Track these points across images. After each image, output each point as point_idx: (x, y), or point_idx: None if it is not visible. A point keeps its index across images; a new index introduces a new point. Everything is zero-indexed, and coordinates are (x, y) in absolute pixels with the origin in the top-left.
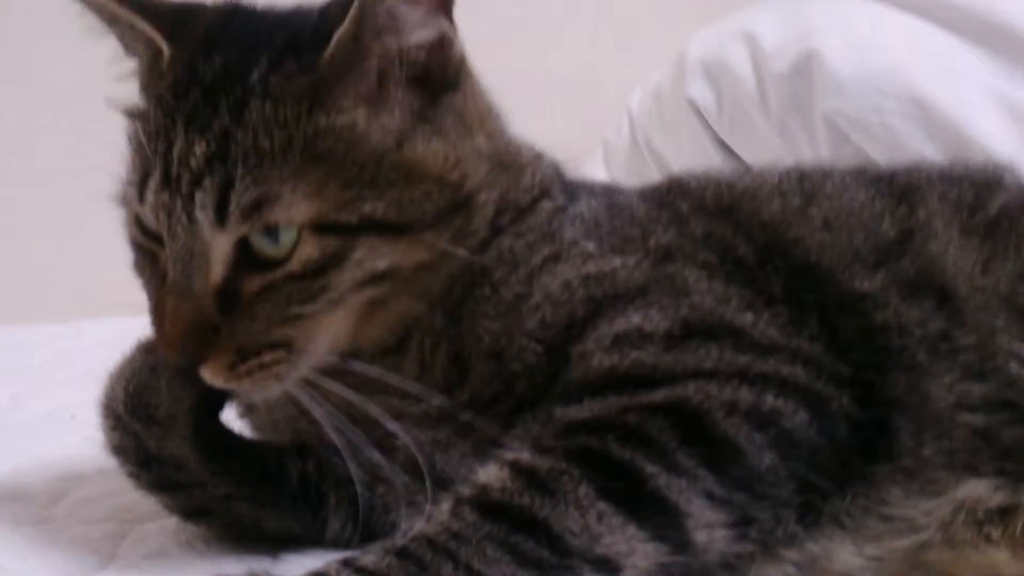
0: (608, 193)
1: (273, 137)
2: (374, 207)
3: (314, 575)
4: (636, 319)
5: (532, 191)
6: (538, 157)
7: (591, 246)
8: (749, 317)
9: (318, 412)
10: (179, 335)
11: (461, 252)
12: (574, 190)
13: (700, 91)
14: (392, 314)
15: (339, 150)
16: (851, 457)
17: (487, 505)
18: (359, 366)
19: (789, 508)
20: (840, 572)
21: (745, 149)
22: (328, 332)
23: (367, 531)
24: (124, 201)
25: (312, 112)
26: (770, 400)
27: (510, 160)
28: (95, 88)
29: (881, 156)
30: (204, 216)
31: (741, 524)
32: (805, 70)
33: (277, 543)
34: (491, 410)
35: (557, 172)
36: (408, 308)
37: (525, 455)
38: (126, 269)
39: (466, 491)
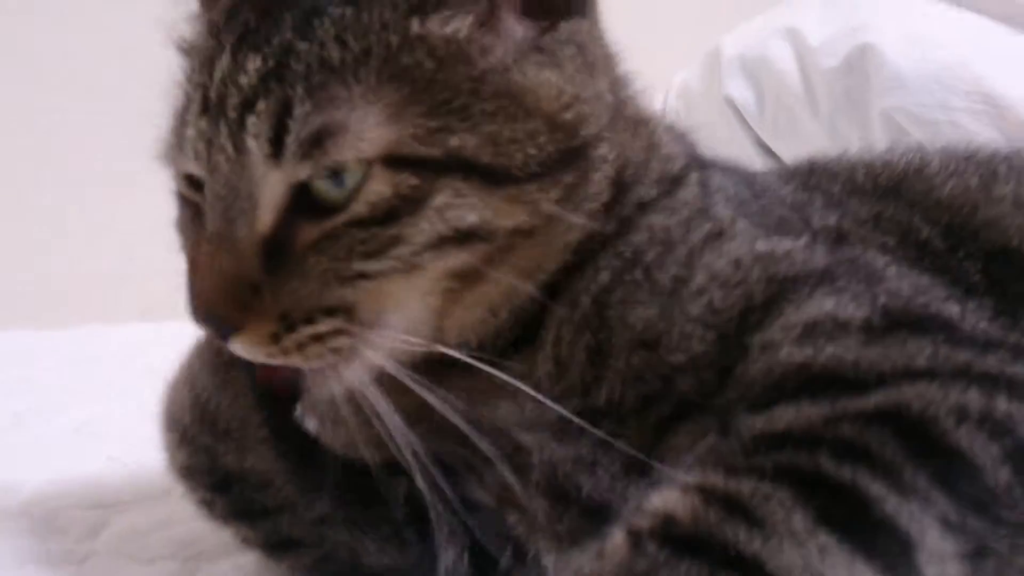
0: (739, 171)
1: (347, 48)
2: (464, 141)
3: None
4: (828, 305)
5: (677, 160)
6: (670, 127)
7: (748, 224)
8: (955, 308)
9: (390, 422)
10: (212, 293)
11: (575, 218)
12: (703, 161)
13: (739, 89)
14: (489, 294)
15: (428, 67)
16: None
17: (678, 539)
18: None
19: None
20: None
21: (788, 149)
22: (403, 307)
23: (489, 567)
24: (167, 155)
25: (407, 18)
26: (1003, 404)
27: (638, 119)
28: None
29: None
30: (256, 147)
31: (975, 556)
32: (859, 65)
33: None
34: (640, 417)
35: (687, 141)
36: (511, 288)
37: (715, 477)
38: (141, 272)
39: (643, 522)
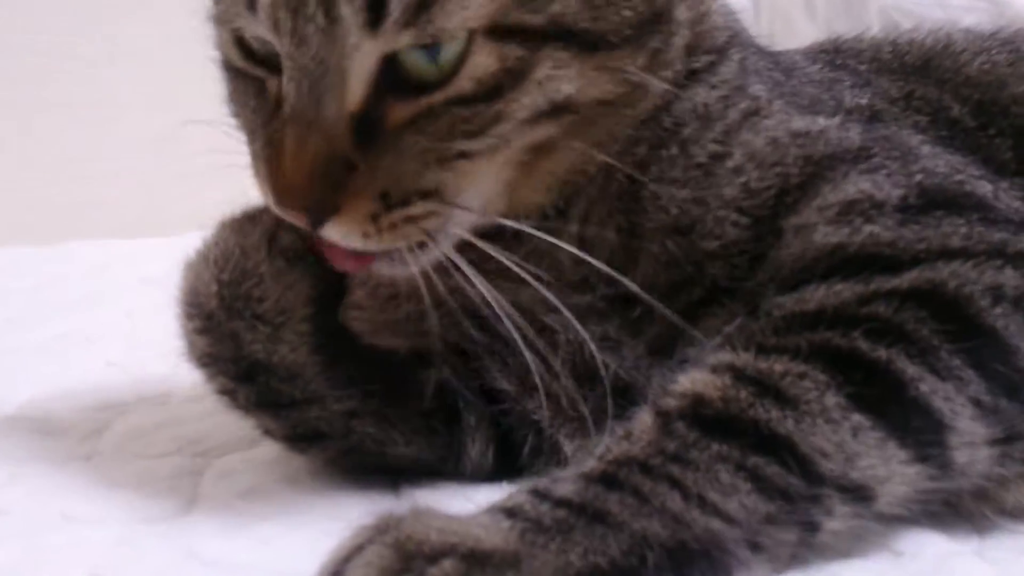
0: (766, 50)
1: None
2: (565, 6)
3: (503, 509)
4: (865, 184)
5: (724, 32)
6: None
7: (782, 103)
8: (988, 187)
9: (481, 285)
10: (306, 175)
11: (657, 83)
12: (744, 40)
13: None
14: (561, 166)
15: None
16: None
17: (709, 419)
18: (511, 227)
19: None
20: None
21: None
22: (483, 183)
23: (514, 457)
24: (221, 16)
25: None
26: None
27: None
28: None
29: None
30: (352, 14)
31: (1005, 441)
32: None
33: (398, 474)
34: (673, 300)
35: (728, 10)
36: (582, 160)
37: (745, 356)
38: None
39: (672, 402)
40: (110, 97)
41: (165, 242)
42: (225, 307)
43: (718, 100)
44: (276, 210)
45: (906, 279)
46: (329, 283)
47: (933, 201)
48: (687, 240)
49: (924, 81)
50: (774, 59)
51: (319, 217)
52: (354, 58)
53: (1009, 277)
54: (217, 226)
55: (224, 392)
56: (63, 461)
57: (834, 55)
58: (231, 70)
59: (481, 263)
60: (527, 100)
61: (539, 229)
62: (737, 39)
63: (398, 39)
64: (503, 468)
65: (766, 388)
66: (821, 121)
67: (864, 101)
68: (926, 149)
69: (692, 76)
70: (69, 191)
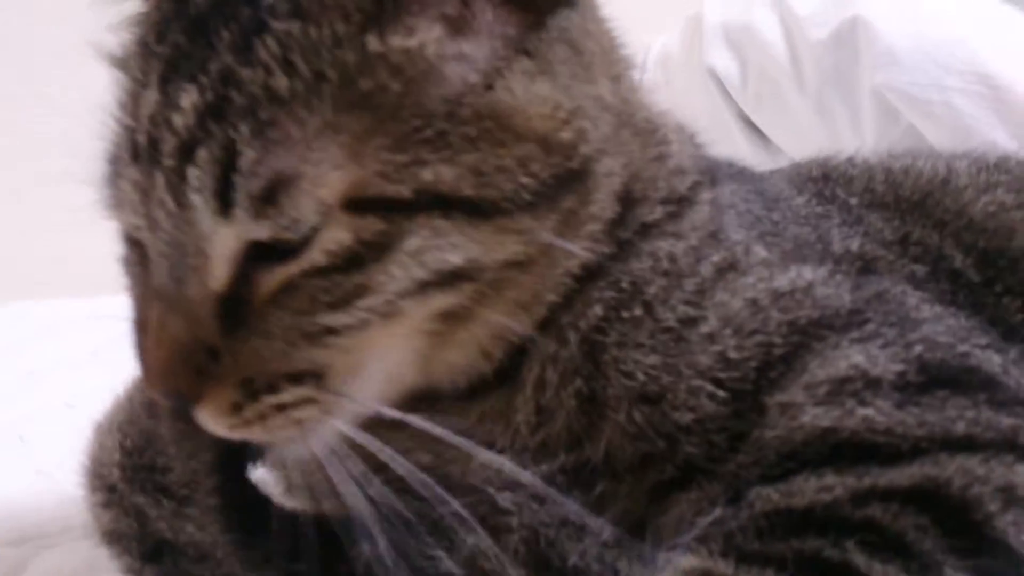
0: (747, 175)
1: (296, 72)
2: (439, 175)
3: None
4: (858, 358)
5: (687, 175)
6: (679, 130)
7: (763, 250)
8: (997, 359)
9: (368, 489)
10: (165, 362)
11: (574, 248)
12: (712, 169)
13: (721, 60)
14: (481, 332)
15: (393, 90)
16: None
17: None
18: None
19: None
20: None
21: (773, 125)
22: (383, 357)
23: None
24: (103, 201)
25: (363, 32)
26: None
27: (645, 124)
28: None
29: (940, 138)
30: (202, 203)
31: None
32: (850, 39)
33: None
34: (641, 477)
35: (695, 144)
36: (504, 323)
37: (724, 565)
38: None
39: None
40: None
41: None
42: (127, 479)
43: (686, 252)
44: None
45: (906, 475)
46: (235, 445)
47: (935, 379)
48: (657, 410)
49: (922, 222)
50: (757, 187)
51: (182, 405)
52: (213, 241)
53: (1020, 475)
54: (129, 383)
55: (130, 571)
56: None
57: (823, 184)
58: (123, 235)
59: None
60: (398, 272)
61: (484, 392)
62: (706, 175)
63: (249, 227)
64: None
65: None
66: (807, 274)
67: (855, 247)
68: (926, 311)
69: (647, 230)
70: None
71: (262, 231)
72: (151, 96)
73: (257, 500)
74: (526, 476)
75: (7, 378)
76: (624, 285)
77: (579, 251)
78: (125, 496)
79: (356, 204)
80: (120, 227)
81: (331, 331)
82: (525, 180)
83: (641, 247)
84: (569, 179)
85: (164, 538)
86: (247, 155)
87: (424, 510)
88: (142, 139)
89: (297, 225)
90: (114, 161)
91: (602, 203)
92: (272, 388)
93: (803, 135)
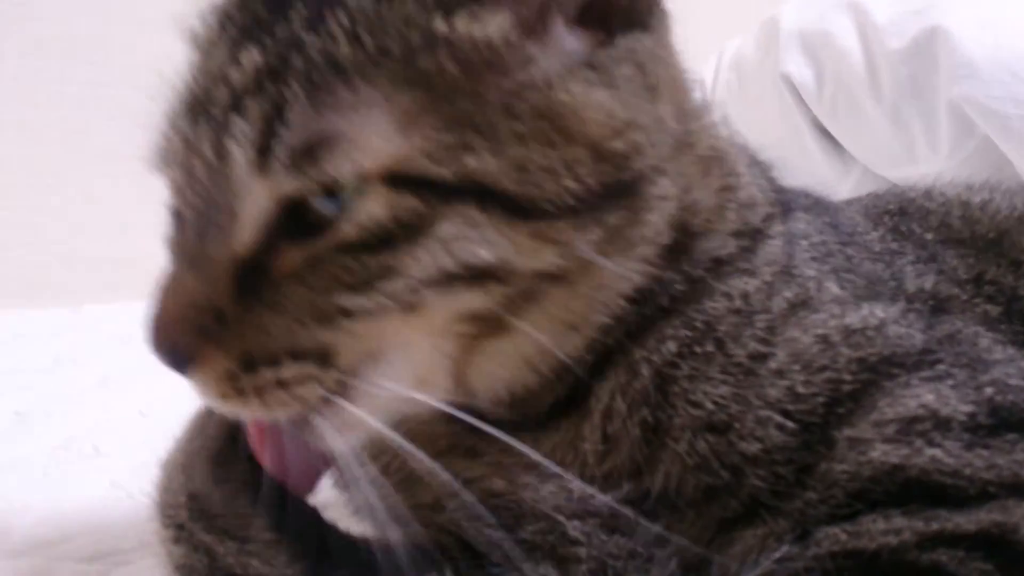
0: (822, 207)
1: (361, 44)
2: (484, 163)
3: None
4: (928, 398)
5: (759, 208)
6: (751, 160)
7: (835, 287)
8: None
9: (376, 503)
10: (171, 316)
11: (616, 266)
12: (786, 201)
13: (797, 66)
14: (521, 346)
15: (451, 74)
16: None
17: None
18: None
19: None
20: None
21: (847, 133)
22: (404, 352)
23: None
24: (154, 159)
25: (432, 13)
26: None
27: (712, 155)
28: None
29: (1016, 152)
30: (239, 152)
31: None
32: (928, 49)
33: None
34: (704, 511)
35: (768, 176)
36: (544, 341)
37: None
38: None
39: None
40: None
41: None
42: (194, 519)
43: (759, 289)
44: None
45: (973, 520)
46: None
47: (1005, 422)
48: (723, 440)
49: (997, 260)
50: (833, 219)
51: (179, 364)
52: (244, 199)
53: None
54: (192, 416)
55: None
56: None
57: (899, 218)
58: (171, 212)
59: (496, 451)
60: (426, 258)
61: (560, 423)
62: (778, 206)
63: (285, 183)
64: None
65: None
66: (879, 313)
67: (928, 285)
68: (998, 353)
69: (718, 266)
70: None
71: (296, 186)
72: (218, 56)
73: (321, 527)
74: (601, 499)
75: (81, 385)
76: (698, 323)
77: (626, 272)
78: (194, 534)
79: (396, 179)
80: (167, 194)
81: (345, 312)
82: (570, 184)
83: (715, 285)
84: (618, 192)
85: (234, 573)
86: (294, 111)
87: (494, 539)
88: (200, 92)
89: (334, 186)
90: (169, 116)
91: (655, 226)
92: (273, 362)
93: (878, 145)
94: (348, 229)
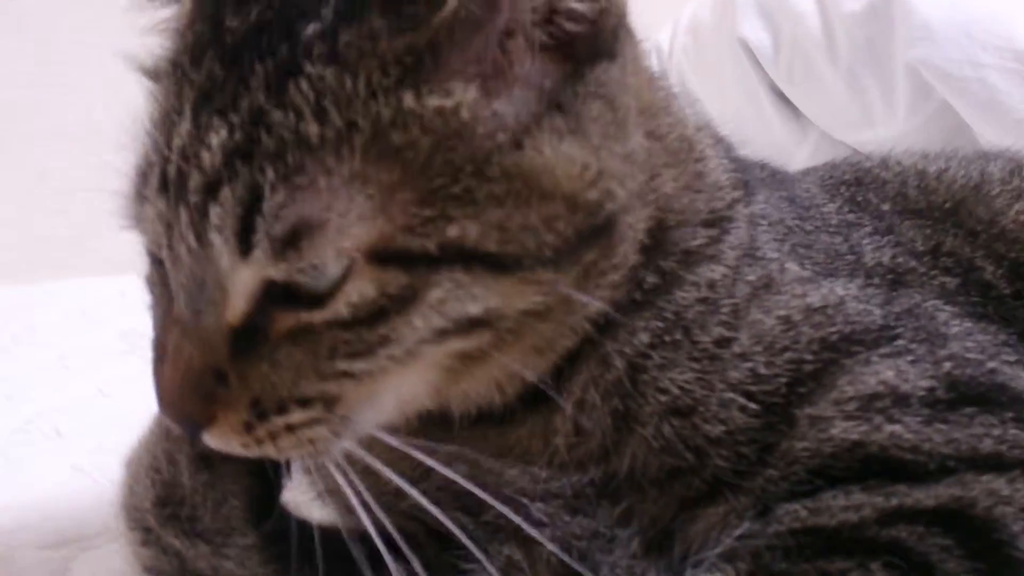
0: (778, 180)
1: (328, 120)
2: (464, 231)
3: None
4: (887, 375)
5: (725, 192)
6: (715, 140)
7: (796, 267)
8: None
9: (358, 501)
10: (178, 389)
11: (593, 298)
12: (748, 181)
13: (753, 30)
14: (496, 372)
15: (423, 146)
16: None
17: None
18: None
19: None
20: None
21: (804, 97)
22: (397, 391)
23: None
24: (127, 217)
25: (399, 87)
26: None
27: (679, 144)
28: None
29: (974, 116)
30: (221, 242)
31: None
32: (884, 12)
33: None
34: (668, 490)
35: (729, 153)
36: (517, 368)
37: None
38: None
39: None
40: None
41: None
42: (162, 524)
43: (724, 275)
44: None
45: (932, 495)
46: (265, 477)
47: (963, 396)
48: (688, 423)
49: (954, 231)
50: (789, 193)
51: (194, 430)
52: (232, 279)
53: None
54: (152, 418)
55: None
56: None
57: (855, 188)
58: (148, 254)
59: (460, 439)
60: (420, 323)
61: (528, 417)
62: (741, 190)
63: (269, 270)
64: None
65: None
66: (839, 290)
67: (886, 259)
68: (956, 327)
69: (688, 257)
70: None
71: (280, 273)
72: (184, 127)
73: (298, 526)
74: (559, 484)
75: (39, 364)
76: (668, 315)
77: (595, 302)
78: (161, 538)
79: (381, 256)
80: (144, 244)
81: (347, 375)
82: (549, 238)
83: (686, 276)
84: (592, 235)
85: (204, 574)
86: (271, 198)
87: (461, 522)
88: (172, 171)
89: (317, 272)
90: (142, 183)
91: (624, 254)
92: (281, 409)
93: (835, 108)
94: (341, 309)
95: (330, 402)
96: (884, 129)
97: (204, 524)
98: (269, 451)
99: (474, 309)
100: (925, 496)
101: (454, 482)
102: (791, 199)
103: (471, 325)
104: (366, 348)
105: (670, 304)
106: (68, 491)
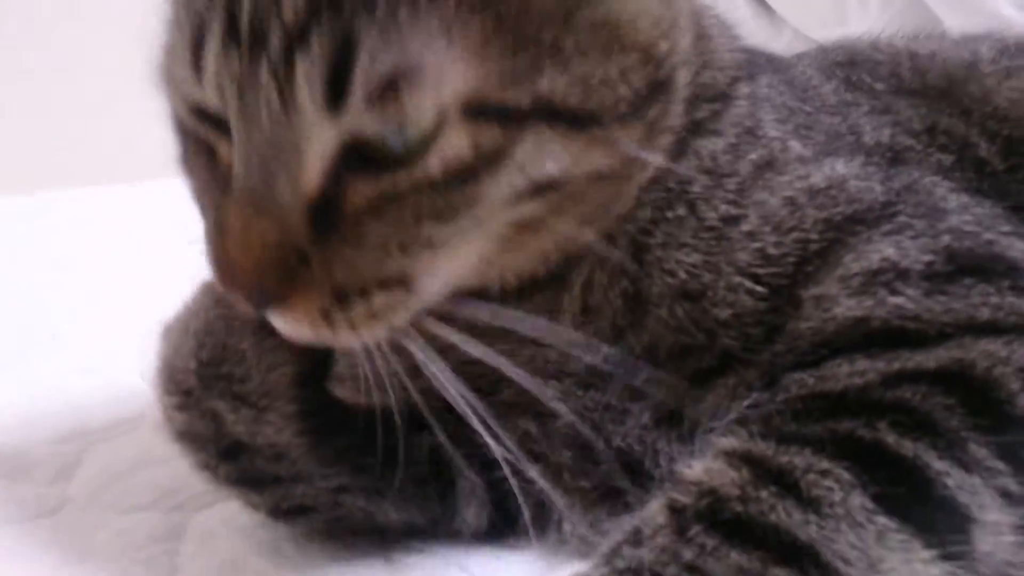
0: (776, 64)
1: None
2: (553, 84)
3: None
4: (889, 251)
5: (727, 70)
6: (718, 20)
7: (798, 146)
8: (1020, 246)
9: (440, 371)
10: (252, 265)
11: (655, 159)
12: (750, 61)
13: None
14: (549, 241)
15: None
16: None
17: (727, 522)
18: (488, 309)
19: None
20: None
21: None
22: (457, 264)
23: (506, 519)
24: (169, 74)
25: None
26: None
27: (699, 30)
28: None
29: (942, 7)
30: (309, 96)
31: None
32: None
33: (388, 538)
34: (681, 365)
35: (732, 36)
36: (572, 234)
37: (763, 446)
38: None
39: (686, 498)
40: None
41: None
42: (205, 386)
43: (726, 149)
44: (219, 287)
45: (933, 358)
46: (316, 355)
47: (962, 267)
48: (697, 307)
49: (949, 110)
50: (787, 76)
51: (264, 304)
52: (311, 140)
53: None
54: (199, 288)
55: (204, 467)
56: (22, 517)
57: (850, 69)
58: (182, 132)
59: (471, 323)
60: (505, 181)
61: (535, 296)
62: (744, 70)
63: (363, 123)
64: (501, 529)
65: (788, 487)
66: (840, 169)
67: (885, 138)
68: (953, 201)
69: (695, 128)
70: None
71: (374, 125)
72: None
73: (332, 403)
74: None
75: (35, 271)
76: (671, 185)
77: (656, 162)
78: (202, 400)
79: (475, 110)
80: (173, 116)
81: (431, 242)
82: (623, 91)
83: (687, 147)
84: (656, 90)
85: (240, 440)
86: (366, 46)
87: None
88: (245, 21)
89: (411, 126)
90: (194, 37)
91: (677, 112)
92: (363, 294)
93: (808, 4)
94: (432, 165)
95: (407, 282)
96: (857, 25)
97: (251, 386)
98: (343, 338)
99: (552, 168)
100: (926, 359)
101: (473, 360)
102: (789, 81)
103: (545, 187)
104: (452, 211)
105: (671, 177)
106: (71, 391)
